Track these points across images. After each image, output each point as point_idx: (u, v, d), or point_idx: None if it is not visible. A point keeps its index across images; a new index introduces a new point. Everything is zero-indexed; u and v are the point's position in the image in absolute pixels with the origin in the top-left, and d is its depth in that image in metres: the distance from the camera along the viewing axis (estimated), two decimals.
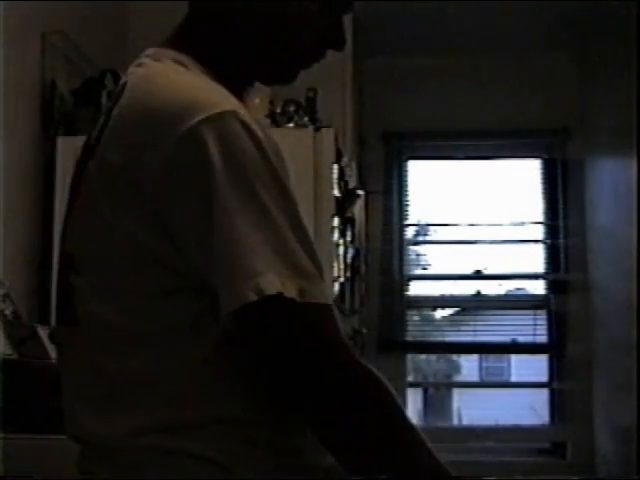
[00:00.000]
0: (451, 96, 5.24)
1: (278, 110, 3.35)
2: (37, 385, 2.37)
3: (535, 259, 5.43)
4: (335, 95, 3.97)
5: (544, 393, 5.44)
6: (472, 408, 6.97)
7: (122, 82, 1.15)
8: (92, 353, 1.11)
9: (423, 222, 5.65)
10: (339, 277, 3.19)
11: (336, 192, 3.16)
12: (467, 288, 5.53)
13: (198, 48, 1.16)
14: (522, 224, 5.46)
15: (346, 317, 3.46)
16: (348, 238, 3.47)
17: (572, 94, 5.24)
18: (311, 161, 3.07)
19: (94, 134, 1.13)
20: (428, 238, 5.73)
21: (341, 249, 3.28)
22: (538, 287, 5.53)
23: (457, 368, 8.04)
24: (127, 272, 1.07)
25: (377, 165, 5.33)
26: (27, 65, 3.14)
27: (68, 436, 1.16)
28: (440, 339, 5.83)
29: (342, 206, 3.34)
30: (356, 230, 3.70)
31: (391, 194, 5.36)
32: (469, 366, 8.03)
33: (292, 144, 3.04)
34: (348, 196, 3.50)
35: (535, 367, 5.73)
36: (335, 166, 3.17)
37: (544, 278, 5.44)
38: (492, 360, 8.28)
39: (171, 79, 1.09)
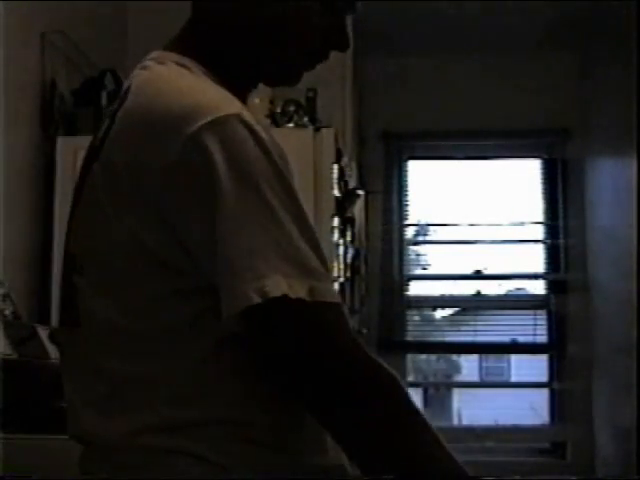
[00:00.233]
0: (451, 96, 5.24)
1: (278, 110, 3.35)
2: (37, 385, 2.37)
3: (535, 259, 5.44)
4: (335, 95, 3.97)
5: (544, 393, 5.44)
6: (472, 408, 6.98)
7: (126, 85, 1.15)
8: (93, 353, 1.11)
9: (423, 222, 5.65)
10: (339, 277, 3.19)
11: (336, 192, 3.16)
12: (467, 288, 5.53)
13: (201, 51, 1.17)
14: (522, 224, 5.46)
15: None
16: (348, 238, 3.47)
17: (572, 94, 5.25)
18: (311, 161, 3.07)
19: (99, 136, 1.14)
20: (428, 238, 5.73)
21: (341, 249, 3.28)
22: (538, 287, 5.53)
23: (457, 368, 8.05)
24: (129, 273, 1.07)
25: (377, 165, 5.33)
26: (27, 65, 3.14)
27: (70, 436, 1.16)
28: (440, 339, 5.84)
29: (342, 206, 3.34)
30: (356, 230, 3.70)
31: (391, 194, 5.36)
32: (469, 366, 8.03)
33: (292, 144, 3.02)
34: (348, 196, 3.50)
35: (535, 367, 5.74)
36: (335, 166, 3.17)
37: (544, 278, 5.44)
38: (492, 360, 8.28)
39: (175, 82, 1.09)
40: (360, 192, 3.83)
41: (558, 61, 5.27)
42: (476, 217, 5.40)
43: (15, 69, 2.96)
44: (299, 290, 0.98)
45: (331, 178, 3.12)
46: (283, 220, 1.01)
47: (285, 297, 0.97)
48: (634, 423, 4.11)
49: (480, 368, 8.30)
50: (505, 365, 8.16)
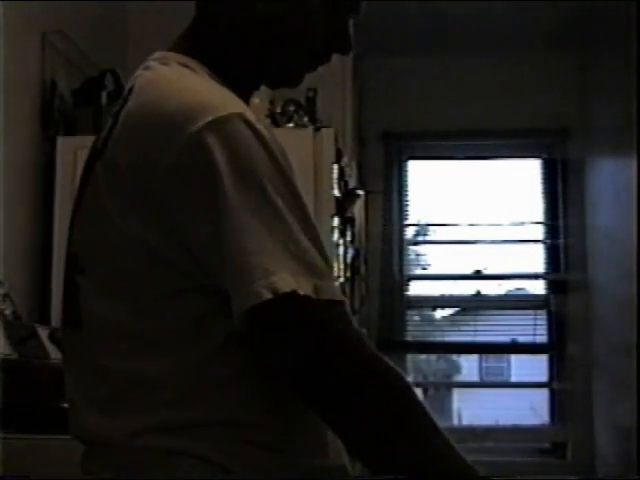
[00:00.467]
0: (451, 96, 5.24)
1: (278, 110, 3.35)
2: (37, 385, 2.37)
3: (535, 259, 5.43)
4: (335, 95, 3.97)
5: (544, 393, 5.44)
6: (472, 408, 6.97)
7: (129, 85, 1.15)
8: (95, 353, 1.11)
9: (423, 222, 5.65)
10: (339, 277, 3.18)
11: (336, 192, 3.16)
12: (467, 288, 5.53)
13: (205, 51, 1.17)
14: (522, 224, 5.46)
15: None
16: (348, 238, 3.47)
17: (572, 94, 5.24)
18: (311, 161, 3.07)
19: (102, 136, 1.14)
20: (428, 238, 5.73)
21: (341, 249, 3.28)
22: (538, 287, 5.53)
23: (457, 368, 8.04)
24: (131, 273, 1.07)
25: (377, 165, 5.33)
26: (27, 65, 3.14)
27: (72, 436, 1.16)
28: (440, 339, 5.83)
29: (342, 206, 3.34)
30: (356, 230, 3.70)
31: (391, 194, 5.35)
32: (469, 366, 8.02)
33: (292, 144, 3.02)
34: (348, 196, 3.50)
35: (535, 367, 5.73)
36: (335, 166, 3.17)
37: (544, 278, 5.44)
38: (492, 360, 8.28)
39: (178, 82, 1.09)
40: (360, 192, 3.82)
41: (558, 61, 5.26)
42: (476, 217, 5.40)
43: (15, 69, 2.96)
44: (306, 288, 0.99)
45: (331, 178, 3.12)
46: (287, 219, 1.01)
47: (294, 293, 0.98)
48: (634, 423, 4.11)
49: (480, 368, 8.30)
50: (505, 365, 8.16)
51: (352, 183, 3.74)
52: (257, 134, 1.02)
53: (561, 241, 5.30)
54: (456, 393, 8.14)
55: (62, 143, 3.14)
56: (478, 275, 5.47)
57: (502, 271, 5.48)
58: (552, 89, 5.25)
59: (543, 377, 5.45)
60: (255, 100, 3.11)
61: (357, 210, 3.77)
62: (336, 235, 3.15)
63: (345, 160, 3.47)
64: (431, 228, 5.68)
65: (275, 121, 3.32)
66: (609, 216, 4.88)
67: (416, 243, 5.65)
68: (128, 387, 1.08)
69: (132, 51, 3.88)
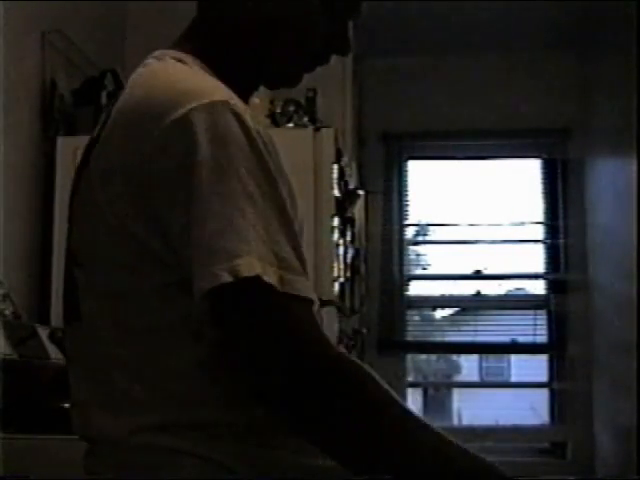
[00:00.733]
0: (451, 96, 5.24)
1: (278, 110, 3.35)
2: (37, 385, 2.37)
3: (535, 259, 5.43)
4: (335, 95, 3.97)
5: (544, 393, 5.44)
6: (472, 408, 6.98)
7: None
8: (96, 349, 1.11)
9: (423, 222, 5.65)
10: (339, 277, 3.18)
11: (336, 192, 3.16)
12: (467, 288, 5.53)
13: (205, 51, 1.17)
14: (522, 224, 5.46)
15: (346, 317, 3.46)
16: (348, 238, 3.47)
17: (572, 94, 5.24)
18: (311, 161, 3.07)
19: (96, 131, 1.15)
20: (428, 238, 5.73)
21: (341, 249, 3.27)
22: (538, 287, 5.52)
23: (457, 368, 8.05)
24: (123, 266, 1.07)
25: (377, 165, 5.33)
26: (27, 65, 3.14)
27: (75, 433, 1.16)
28: (440, 339, 5.83)
29: (342, 206, 3.34)
30: (356, 230, 3.70)
31: (391, 194, 5.35)
32: (469, 366, 8.03)
33: (292, 144, 3.04)
34: (348, 196, 3.50)
35: (535, 367, 5.73)
36: (335, 166, 3.17)
37: (544, 278, 5.44)
38: (492, 360, 8.29)
39: (167, 74, 1.10)
40: (360, 192, 3.82)
41: (558, 61, 5.26)
42: (476, 217, 5.39)
43: (15, 69, 2.96)
44: (271, 276, 0.96)
45: (331, 178, 3.12)
46: (262, 208, 0.99)
47: (258, 278, 0.95)
48: (634, 423, 4.11)
49: (480, 368, 8.30)
50: (505, 365, 8.16)
51: (352, 183, 3.74)
52: (242, 123, 1.01)
53: (561, 241, 5.30)
54: (456, 393, 8.15)
55: (62, 143, 3.14)
56: (478, 275, 5.47)
57: (502, 271, 5.48)
58: (552, 89, 5.25)
59: (543, 377, 5.45)
60: (255, 100, 3.12)
61: (357, 210, 3.77)
62: (336, 235, 3.15)
63: (345, 160, 3.47)
64: (431, 228, 5.68)
65: (275, 121, 3.32)
66: (609, 216, 4.88)
67: (416, 243, 5.65)
68: (127, 384, 1.07)
69: (132, 51, 3.88)
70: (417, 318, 5.72)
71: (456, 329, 6.07)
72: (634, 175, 4.27)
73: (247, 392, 1.02)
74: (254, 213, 0.98)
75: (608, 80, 4.89)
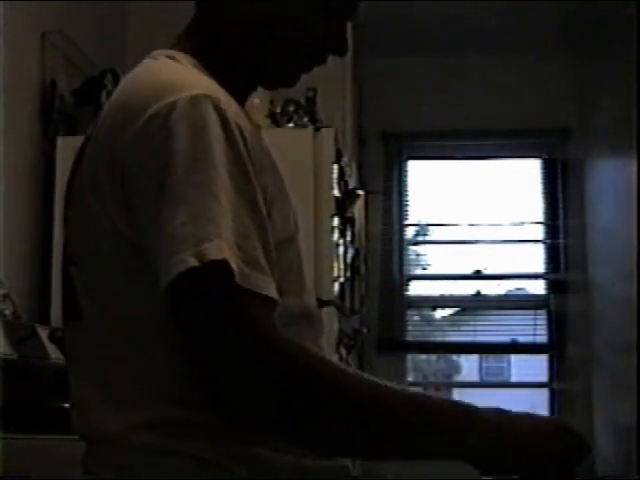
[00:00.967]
0: (451, 96, 5.24)
1: (278, 110, 3.35)
2: (37, 385, 2.37)
3: (535, 259, 5.43)
4: (335, 95, 3.97)
5: (544, 393, 5.44)
6: None
7: None
8: (92, 347, 1.11)
9: (423, 222, 5.65)
10: (339, 277, 3.18)
11: (336, 192, 3.16)
12: (467, 288, 5.53)
13: (203, 51, 1.18)
14: (522, 224, 5.46)
15: (346, 317, 3.46)
16: (348, 238, 3.47)
17: (572, 94, 5.24)
18: (311, 161, 3.07)
19: (89, 130, 1.16)
20: (428, 238, 5.73)
21: (341, 249, 3.27)
22: (538, 287, 5.53)
23: (457, 368, 8.05)
24: (113, 264, 1.07)
25: (377, 165, 5.33)
26: (27, 65, 3.14)
27: (74, 431, 1.15)
28: (440, 339, 5.84)
29: (342, 206, 3.34)
30: (356, 230, 3.70)
31: (391, 194, 5.36)
32: (469, 366, 8.03)
33: (292, 144, 3.04)
34: (348, 196, 3.50)
35: (535, 367, 5.73)
36: (335, 166, 3.17)
37: (544, 278, 5.44)
38: (492, 360, 8.28)
39: (155, 70, 1.11)
40: (360, 192, 3.82)
41: (558, 61, 5.26)
42: (476, 217, 5.39)
43: (15, 69, 2.96)
44: (235, 265, 0.95)
45: (331, 178, 3.12)
46: (235, 201, 0.98)
47: (225, 263, 0.94)
48: (634, 423, 4.11)
49: (480, 368, 8.30)
50: (505, 365, 8.16)
51: (352, 183, 3.74)
52: (221, 117, 1.01)
53: (561, 241, 5.30)
54: (456, 393, 8.13)
55: (62, 143, 3.14)
56: (478, 275, 5.47)
57: (502, 271, 5.48)
58: (552, 89, 5.25)
59: (543, 377, 5.45)
60: (255, 100, 3.12)
61: (357, 210, 3.76)
62: (336, 235, 3.15)
63: (345, 160, 3.46)
64: (431, 228, 5.68)
65: (275, 121, 3.32)
66: (609, 216, 4.88)
67: (416, 243, 5.65)
68: (125, 382, 1.07)
69: (132, 51, 3.88)
70: (417, 318, 5.72)
71: (456, 329, 6.07)
72: (634, 175, 4.27)
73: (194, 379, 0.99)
74: (226, 205, 0.97)
75: (608, 80, 4.89)
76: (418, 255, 5.69)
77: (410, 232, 5.56)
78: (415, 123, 5.31)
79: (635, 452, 3.98)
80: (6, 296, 2.68)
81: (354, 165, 4.08)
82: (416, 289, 5.49)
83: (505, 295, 5.65)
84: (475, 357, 7.68)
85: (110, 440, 1.08)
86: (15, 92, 2.98)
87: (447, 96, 5.25)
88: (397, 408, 1.01)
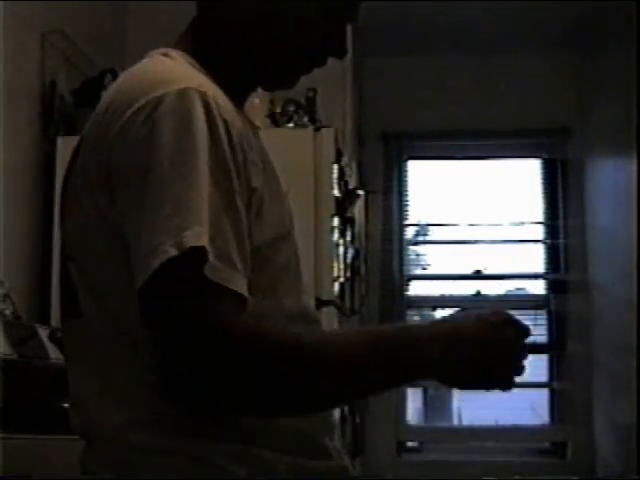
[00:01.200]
0: (451, 96, 5.24)
1: (278, 110, 3.35)
2: (37, 385, 2.37)
3: (535, 259, 5.43)
4: (335, 95, 3.97)
5: (544, 393, 5.44)
6: (472, 408, 6.97)
7: None
8: (89, 343, 1.11)
9: (423, 222, 5.65)
10: (339, 277, 3.18)
11: (336, 192, 3.16)
12: (467, 288, 5.53)
13: (203, 51, 1.18)
14: (522, 224, 5.46)
15: (346, 317, 3.46)
16: (348, 238, 3.47)
17: (572, 94, 5.24)
18: (311, 161, 3.07)
19: (84, 130, 1.16)
20: (428, 238, 5.72)
21: (341, 249, 3.27)
22: (538, 287, 5.52)
23: None
24: (106, 259, 1.07)
25: (377, 165, 5.33)
26: (27, 65, 3.14)
27: (73, 430, 1.15)
28: None
29: (342, 206, 3.34)
30: (356, 230, 3.70)
31: (391, 194, 5.35)
32: None
33: (292, 144, 3.05)
34: (348, 196, 3.50)
35: (535, 367, 5.73)
36: (335, 166, 3.17)
37: (544, 278, 5.44)
38: None
39: (146, 66, 1.12)
40: (360, 192, 3.82)
41: (558, 61, 5.26)
42: (476, 217, 5.39)
43: (15, 69, 2.96)
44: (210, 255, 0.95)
45: (331, 178, 3.12)
46: (212, 194, 0.98)
47: (203, 249, 0.94)
48: (634, 423, 4.11)
49: None
50: None
51: (352, 183, 3.74)
52: (208, 109, 1.01)
53: (561, 241, 5.30)
54: (456, 393, 8.13)
55: (62, 143, 3.14)
56: (478, 275, 5.47)
57: (502, 271, 5.47)
58: (552, 89, 5.26)
59: (543, 377, 5.44)
60: (255, 100, 3.12)
61: (357, 210, 3.76)
62: (336, 235, 3.15)
63: (345, 160, 3.47)
64: (431, 228, 5.68)
65: (275, 121, 3.32)
66: (609, 216, 4.88)
67: (416, 243, 5.65)
68: (125, 379, 1.07)
69: (132, 51, 3.88)
70: (417, 318, 5.71)
71: None
72: (634, 175, 4.27)
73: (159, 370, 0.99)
74: (205, 197, 0.97)
75: (608, 80, 4.89)
76: (418, 255, 5.68)
77: (410, 232, 5.55)
78: (415, 123, 5.31)
79: (635, 452, 3.98)
80: (6, 296, 2.68)
81: (354, 165, 4.08)
82: (416, 289, 5.49)
83: (505, 295, 5.65)
84: None
85: (108, 438, 1.07)
86: (15, 92, 2.98)
87: (447, 96, 5.25)
88: (359, 355, 1.02)
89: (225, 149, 1.01)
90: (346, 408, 3.25)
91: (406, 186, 5.45)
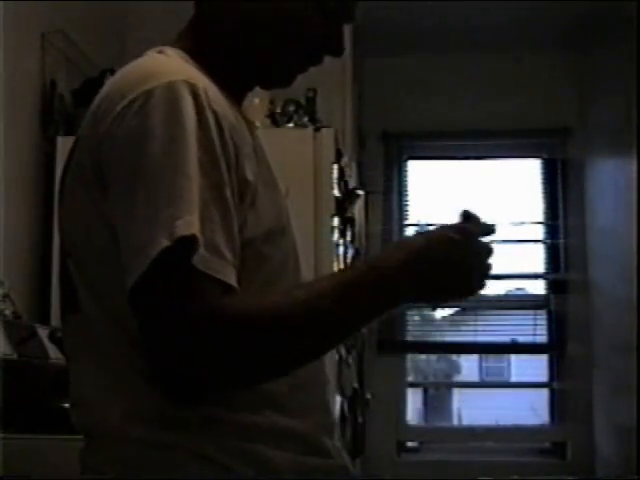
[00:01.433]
0: (451, 96, 5.24)
1: (278, 110, 3.35)
2: (37, 385, 2.37)
3: (535, 259, 5.43)
4: (335, 95, 3.97)
5: (544, 393, 5.44)
6: (472, 408, 6.97)
7: None
8: (89, 339, 1.11)
9: (423, 222, 5.64)
10: None
11: (336, 192, 3.16)
12: None
13: (199, 50, 1.18)
14: (522, 224, 5.46)
15: None
16: (348, 238, 3.47)
17: (572, 94, 5.24)
18: (311, 161, 3.07)
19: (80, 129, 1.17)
20: None
21: (341, 249, 3.27)
22: (538, 287, 5.52)
23: (457, 368, 8.06)
24: (102, 254, 1.07)
25: (377, 165, 5.33)
26: (27, 65, 3.14)
27: (73, 425, 1.15)
28: (440, 339, 5.83)
29: (342, 206, 3.34)
30: (356, 230, 3.70)
31: (391, 194, 5.35)
32: (469, 366, 8.04)
33: (292, 144, 3.05)
34: (348, 196, 3.50)
35: (535, 367, 5.73)
36: (335, 166, 3.17)
37: (544, 278, 5.44)
38: (492, 360, 8.29)
39: (139, 62, 1.12)
40: (360, 192, 3.82)
41: (558, 61, 5.26)
42: None
43: (15, 69, 2.96)
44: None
45: (331, 178, 3.12)
46: (201, 185, 0.98)
47: (194, 238, 0.95)
48: (634, 423, 4.11)
49: (480, 368, 8.31)
50: (505, 365, 8.17)
51: (352, 183, 3.74)
52: (198, 104, 1.02)
53: (561, 241, 5.29)
54: (456, 393, 8.15)
55: (62, 143, 3.14)
56: None
57: (502, 271, 5.47)
58: (552, 89, 5.25)
59: (543, 377, 5.44)
60: (255, 100, 3.12)
61: (357, 210, 3.76)
62: (336, 235, 3.15)
63: (345, 160, 3.47)
64: (431, 228, 5.67)
65: (275, 121, 3.32)
66: (609, 216, 4.88)
67: None
68: (124, 373, 1.07)
69: (132, 51, 3.87)
70: (417, 318, 5.71)
71: (456, 329, 6.07)
72: (634, 175, 4.27)
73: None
74: (195, 187, 0.98)
75: (608, 80, 4.89)
76: None
77: (410, 232, 5.55)
78: (415, 123, 5.31)
79: (635, 452, 3.98)
80: (6, 296, 2.68)
81: (354, 165, 4.08)
82: None
83: (505, 295, 5.65)
84: (475, 357, 7.68)
85: (107, 433, 1.07)
86: (15, 92, 2.98)
87: (447, 96, 5.25)
88: (337, 299, 1.03)
89: (214, 140, 1.02)
90: (346, 408, 3.25)
91: (406, 186, 5.45)
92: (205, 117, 1.02)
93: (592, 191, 5.18)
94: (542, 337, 5.35)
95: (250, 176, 1.07)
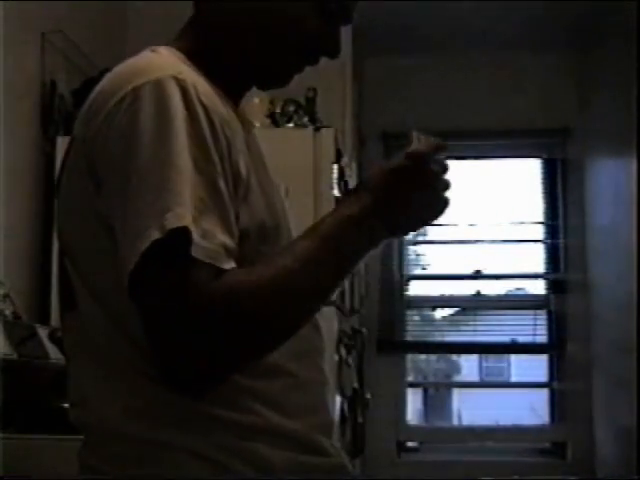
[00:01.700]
0: (451, 96, 5.24)
1: (278, 110, 3.35)
2: (37, 385, 2.37)
3: (535, 259, 5.43)
4: (335, 95, 3.97)
5: (544, 393, 5.44)
6: (472, 408, 6.98)
7: None
8: (86, 335, 1.11)
9: None
10: None
11: (336, 192, 3.16)
12: (467, 288, 5.53)
13: (197, 50, 1.18)
14: (522, 224, 5.46)
15: (346, 317, 3.46)
16: None
17: (572, 94, 5.24)
18: (311, 161, 3.07)
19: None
20: (428, 238, 5.72)
21: None
22: (538, 287, 5.52)
23: (457, 368, 8.06)
24: (96, 252, 1.08)
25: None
26: (27, 65, 3.14)
27: (72, 422, 1.15)
28: (440, 339, 5.83)
29: None
30: None
31: None
32: (469, 366, 8.04)
33: (292, 144, 3.05)
34: None
35: (535, 367, 5.73)
36: (335, 166, 3.17)
37: (544, 278, 5.44)
38: (492, 360, 8.29)
39: (131, 61, 1.12)
40: None
41: (558, 61, 5.26)
42: (476, 217, 5.39)
43: (15, 69, 2.96)
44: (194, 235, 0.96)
45: (331, 178, 3.12)
46: (195, 179, 0.99)
47: (186, 229, 0.95)
48: (634, 423, 4.11)
49: (480, 368, 8.31)
50: (505, 365, 8.17)
51: (352, 183, 3.74)
52: (187, 98, 1.02)
53: (561, 241, 5.29)
54: (456, 393, 8.16)
55: (62, 143, 3.14)
56: (478, 275, 5.47)
57: (502, 271, 5.47)
58: (552, 89, 5.25)
59: (543, 377, 5.44)
60: (255, 100, 3.12)
61: None
62: None
63: (345, 160, 3.47)
64: (431, 228, 5.68)
65: (275, 121, 3.32)
66: (609, 216, 4.88)
67: (416, 243, 5.64)
68: (121, 370, 1.07)
69: (132, 51, 3.87)
70: (417, 318, 5.71)
71: (456, 329, 6.07)
72: (634, 175, 4.27)
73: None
74: (187, 179, 0.98)
75: (608, 80, 4.88)
76: (418, 255, 5.68)
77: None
78: (415, 123, 5.28)
79: (635, 452, 3.98)
80: (6, 296, 2.68)
81: (354, 165, 4.08)
82: (416, 289, 5.48)
83: (505, 295, 5.65)
84: (475, 357, 7.68)
85: (105, 429, 1.08)
86: (15, 92, 2.98)
87: (447, 96, 5.25)
88: (315, 257, 1.07)
89: (205, 132, 1.02)
90: (346, 408, 3.25)
91: None
92: (195, 111, 1.02)
93: (592, 191, 5.18)
94: (542, 337, 5.35)
95: (243, 170, 1.07)
